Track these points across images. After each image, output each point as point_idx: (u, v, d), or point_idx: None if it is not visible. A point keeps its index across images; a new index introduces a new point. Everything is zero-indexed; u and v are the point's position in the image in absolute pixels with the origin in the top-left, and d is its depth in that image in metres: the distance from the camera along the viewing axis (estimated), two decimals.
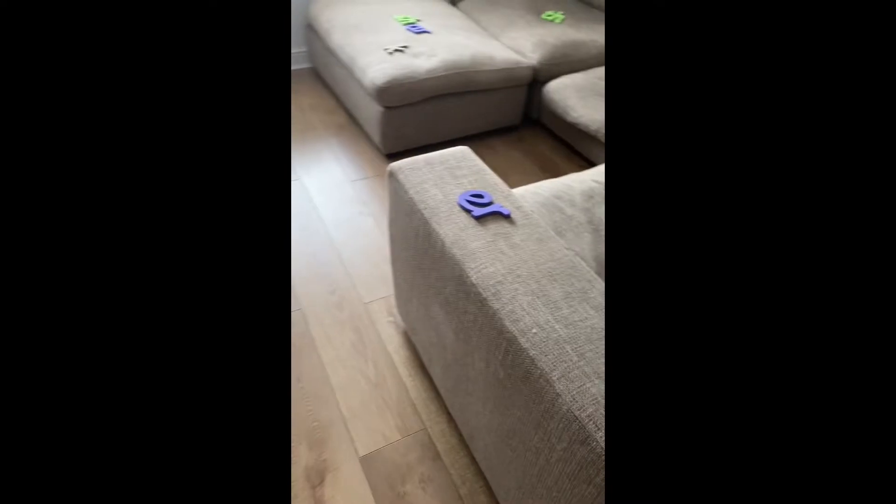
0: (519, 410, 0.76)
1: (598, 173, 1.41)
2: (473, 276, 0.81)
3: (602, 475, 0.61)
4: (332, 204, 1.81)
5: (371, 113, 1.99)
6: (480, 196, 0.96)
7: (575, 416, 0.63)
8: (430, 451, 1.13)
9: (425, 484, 1.07)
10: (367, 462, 1.10)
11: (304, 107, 2.35)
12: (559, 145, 2.23)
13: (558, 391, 0.66)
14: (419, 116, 1.99)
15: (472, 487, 1.07)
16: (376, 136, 2.01)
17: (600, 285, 0.80)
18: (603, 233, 1.16)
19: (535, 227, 0.91)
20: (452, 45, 2.02)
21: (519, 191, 1.29)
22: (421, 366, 1.32)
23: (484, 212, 0.91)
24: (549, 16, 2.39)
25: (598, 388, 0.65)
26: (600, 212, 1.25)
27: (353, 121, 2.27)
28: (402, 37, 2.06)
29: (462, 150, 1.11)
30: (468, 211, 0.92)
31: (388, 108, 1.90)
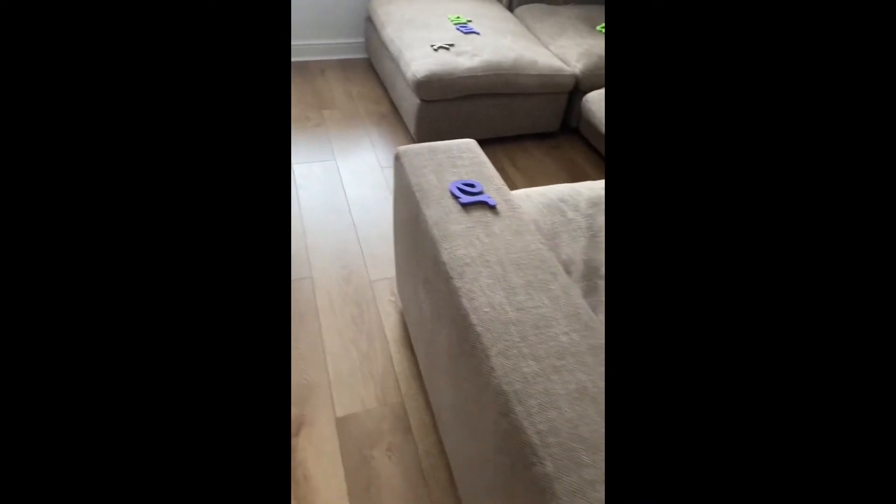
0: (465, 383, 0.80)
1: None
2: (446, 256, 0.86)
3: (519, 443, 0.64)
4: (361, 187, 1.90)
5: (410, 105, 2.07)
6: (472, 185, 1.01)
7: (503, 389, 0.67)
8: (402, 424, 1.19)
9: (391, 452, 1.13)
10: (342, 423, 1.18)
11: (353, 94, 2.47)
12: (594, 155, 2.23)
13: (493, 365, 0.70)
14: (455, 112, 2.05)
15: (434, 463, 1.12)
16: (412, 127, 2.09)
17: (564, 279, 0.83)
18: (599, 239, 1.18)
19: (517, 220, 0.95)
20: (498, 47, 2.07)
21: (527, 191, 1.33)
22: (410, 345, 1.38)
23: (470, 200, 0.96)
24: (604, 28, 2.39)
25: (531, 368, 0.69)
26: (601, 219, 1.26)
27: (395, 111, 2.36)
28: (451, 35, 2.13)
29: (467, 143, 1.16)
30: (456, 197, 0.97)
31: (425, 101, 1.98)
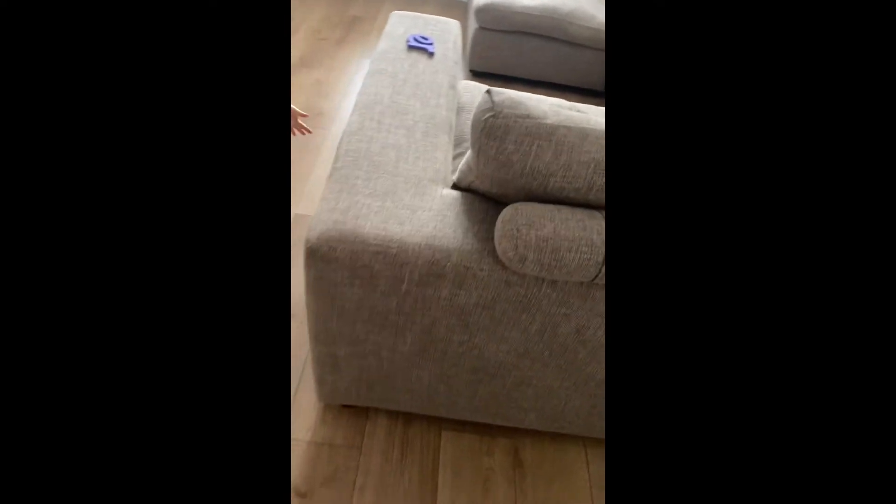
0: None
1: (594, 110, 1.58)
2: (362, 97, 1.14)
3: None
4: None
5: (471, 29, 2.32)
6: (426, 38, 1.26)
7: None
8: None
9: None
10: None
11: (432, 10, 2.78)
12: None
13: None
14: (508, 45, 2.27)
15: None
16: (468, 49, 2.35)
17: (446, 137, 1.07)
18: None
19: (446, 74, 1.19)
20: None
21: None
22: None
23: (415, 44, 1.22)
24: None
25: (349, 201, 0.95)
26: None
27: (463, 32, 2.63)
28: None
29: (454, 23, 1.41)
30: (407, 42, 1.24)
31: (482, 28, 2.22)
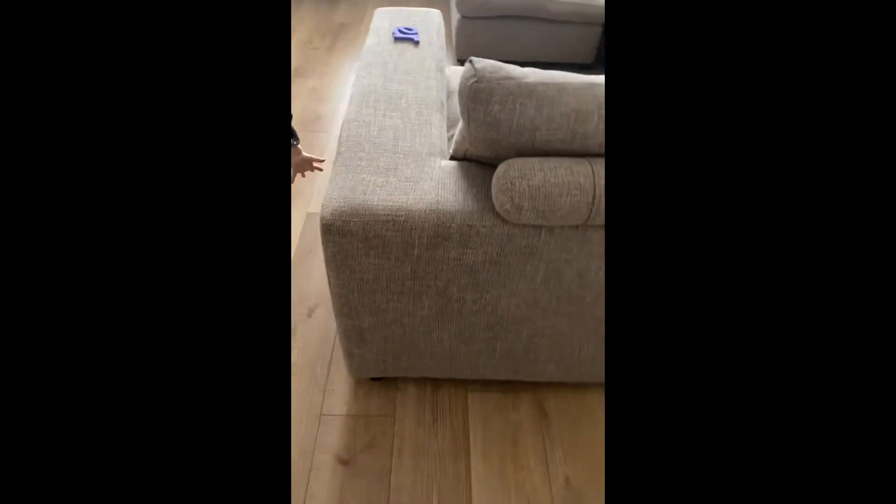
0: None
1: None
2: (357, 89, 1.21)
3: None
4: None
5: (454, 20, 2.39)
6: (410, 29, 1.33)
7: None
8: None
9: None
10: None
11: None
12: None
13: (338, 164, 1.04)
14: (492, 31, 2.33)
15: None
16: (454, 40, 2.41)
17: (439, 115, 1.14)
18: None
19: (433, 59, 1.26)
20: None
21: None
22: None
23: (400, 35, 1.29)
24: None
25: (355, 179, 1.02)
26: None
27: (447, 24, 2.70)
28: None
29: (435, 12, 1.48)
30: (393, 34, 1.31)
31: (464, 17, 2.28)
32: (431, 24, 1.40)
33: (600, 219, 0.80)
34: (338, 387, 1.21)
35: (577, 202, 0.77)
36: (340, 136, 1.01)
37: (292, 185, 1.25)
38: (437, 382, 1.23)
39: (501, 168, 0.79)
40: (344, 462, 1.08)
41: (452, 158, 0.96)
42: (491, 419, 1.16)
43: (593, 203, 0.78)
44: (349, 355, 1.08)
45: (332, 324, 1.34)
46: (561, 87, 0.77)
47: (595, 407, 1.19)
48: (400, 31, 1.32)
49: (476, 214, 0.83)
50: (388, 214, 0.83)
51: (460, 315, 0.98)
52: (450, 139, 1.13)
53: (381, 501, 1.03)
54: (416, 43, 1.29)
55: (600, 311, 0.98)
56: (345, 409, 1.17)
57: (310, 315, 1.36)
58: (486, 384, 1.23)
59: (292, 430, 1.13)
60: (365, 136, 0.98)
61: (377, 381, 1.23)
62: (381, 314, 0.98)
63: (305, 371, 1.23)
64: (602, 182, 0.77)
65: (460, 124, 0.92)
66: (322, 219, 0.83)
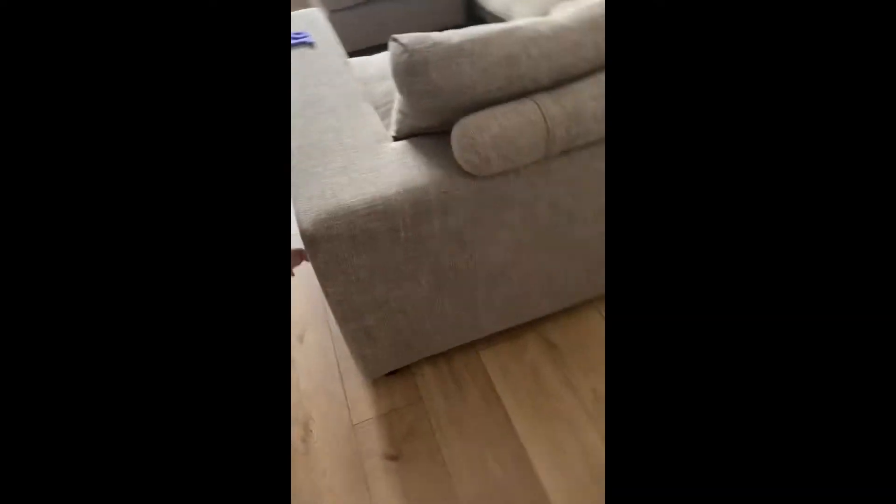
0: None
1: None
2: None
3: None
4: None
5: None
6: (300, 34, 1.32)
7: None
8: None
9: None
10: None
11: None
12: None
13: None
14: (362, 18, 2.32)
15: None
16: None
17: (366, 104, 1.15)
18: None
19: (335, 54, 1.26)
20: None
21: None
22: None
23: (294, 42, 1.28)
24: None
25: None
26: None
27: None
28: None
29: (315, 11, 1.46)
30: None
31: (333, 11, 2.26)
32: (318, 23, 1.39)
33: (556, 147, 0.87)
34: (357, 394, 1.21)
35: (535, 137, 0.83)
36: None
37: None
38: (447, 355, 1.27)
39: (457, 129, 0.83)
40: (393, 458, 1.10)
41: (396, 139, 0.99)
42: (508, 367, 1.23)
43: (548, 134, 0.84)
44: (361, 358, 1.09)
45: (327, 342, 1.34)
46: (485, 40, 0.81)
47: (594, 325, 1.29)
48: (293, 38, 1.31)
49: (446, 180, 0.87)
50: (366, 208, 0.84)
51: (456, 281, 1.02)
52: (384, 120, 1.15)
53: (442, 476, 1.06)
54: (312, 44, 1.28)
55: (576, 232, 1.05)
56: (373, 411, 1.18)
57: (301, 341, 1.34)
58: (490, 340, 1.28)
59: (334, 454, 1.12)
60: (307, 145, 0.97)
61: (392, 374, 1.25)
62: (383, 307, 1.00)
63: (320, 394, 1.23)
64: (550, 113, 0.83)
65: (396, 103, 0.94)
66: (304, 232, 0.83)
